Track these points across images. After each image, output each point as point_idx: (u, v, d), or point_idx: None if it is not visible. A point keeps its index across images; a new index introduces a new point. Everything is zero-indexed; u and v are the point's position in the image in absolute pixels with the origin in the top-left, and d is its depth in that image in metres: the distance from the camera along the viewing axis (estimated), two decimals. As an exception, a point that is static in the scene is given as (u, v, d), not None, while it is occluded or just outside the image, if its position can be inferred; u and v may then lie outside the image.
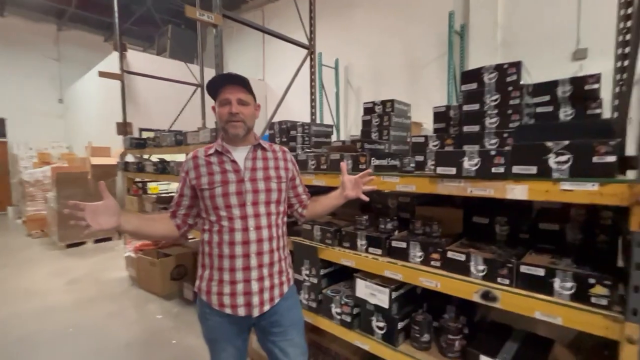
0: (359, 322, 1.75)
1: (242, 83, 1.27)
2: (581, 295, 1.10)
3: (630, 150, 1.79)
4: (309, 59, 3.53)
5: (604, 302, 1.07)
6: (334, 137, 6.24)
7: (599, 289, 1.07)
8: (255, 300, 1.27)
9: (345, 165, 1.48)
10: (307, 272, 1.96)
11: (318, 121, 6.11)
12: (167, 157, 3.93)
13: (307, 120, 3.28)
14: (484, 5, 4.58)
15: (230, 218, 1.25)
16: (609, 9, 2.24)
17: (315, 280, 1.94)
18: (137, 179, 4.67)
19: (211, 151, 1.32)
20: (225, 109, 1.26)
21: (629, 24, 1.66)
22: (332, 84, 6.41)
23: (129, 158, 4.06)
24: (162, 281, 3.43)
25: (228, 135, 1.31)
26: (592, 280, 1.08)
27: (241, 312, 1.27)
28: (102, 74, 4.83)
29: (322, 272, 1.94)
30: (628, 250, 1.24)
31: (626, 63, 1.66)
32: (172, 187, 8.08)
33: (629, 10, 1.66)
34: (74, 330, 2.82)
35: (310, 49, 3.50)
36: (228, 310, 1.26)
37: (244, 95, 1.28)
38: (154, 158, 4.16)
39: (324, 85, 6.25)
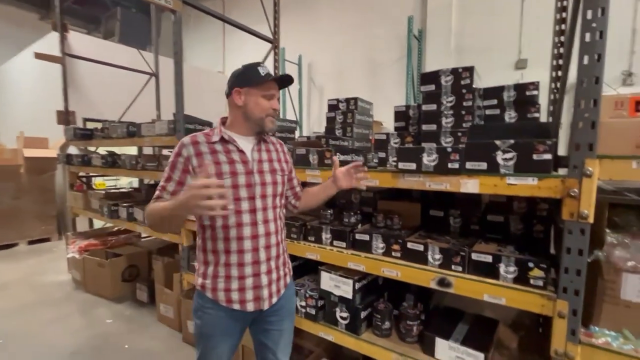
0: (323, 314, 1.79)
1: (282, 85, 1.33)
2: (522, 277, 1.24)
3: (561, 151, 2.03)
4: (272, 53, 3.48)
5: (540, 283, 1.21)
6: (297, 133, 6.25)
7: (536, 272, 1.21)
8: (265, 293, 1.26)
9: (337, 159, 1.46)
10: (272, 267, 1.95)
11: (281, 117, 6.05)
12: (117, 150, 3.64)
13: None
14: (440, 12, 4.86)
15: (239, 212, 1.21)
16: (546, 25, 2.50)
17: (279, 275, 1.93)
18: (82, 174, 4.28)
19: (215, 138, 1.24)
20: (269, 103, 1.25)
21: (562, 38, 1.87)
22: (295, 80, 6.39)
23: (72, 150, 3.69)
24: (112, 283, 3.19)
25: (263, 128, 1.27)
26: (531, 264, 1.22)
27: (250, 307, 1.24)
28: (40, 56, 4.33)
29: (287, 266, 1.94)
30: (559, 238, 1.42)
31: (560, 73, 1.87)
32: (121, 182, 7.52)
33: (563, 27, 1.87)
34: (3, 342, 2.52)
35: (274, 43, 3.46)
36: (236, 306, 1.23)
37: (279, 94, 1.33)
38: (102, 151, 3.83)
39: (286, 81, 6.20)
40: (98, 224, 4.68)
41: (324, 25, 6.36)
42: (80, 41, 5.64)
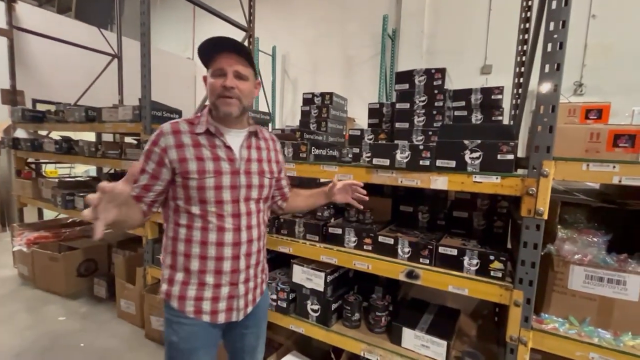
0: (294, 307, 1.79)
1: (242, 52, 1.07)
2: (483, 269, 1.32)
3: (521, 153, 2.18)
4: (246, 42, 3.39)
5: (499, 274, 1.30)
6: (269, 126, 6.15)
7: (496, 264, 1.30)
8: (241, 303, 1.17)
9: (336, 179, 1.44)
10: (243, 260, 1.92)
11: (253, 108, 5.92)
12: (73, 135, 3.38)
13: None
14: (413, 14, 4.99)
15: (220, 215, 1.08)
16: (510, 34, 2.66)
17: (250, 269, 1.91)
18: (31, 160, 3.91)
19: (200, 129, 1.09)
20: (218, 81, 1.05)
21: (525, 47, 2.00)
22: (268, 72, 6.27)
23: (20, 133, 3.36)
24: (66, 278, 2.97)
25: (218, 114, 1.09)
26: (492, 257, 1.30)
27: (221, 318, 1.13)
28: (-19, 27, 3.87)
29: (258, 260, 1.92)
30: (516, 233, 1.53)
31: (522, 80, 2.00)
32: (76, 170, 6.98)
33: (526, 36, 2.00)
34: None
35: (249, 31, 3.36)
36: (206, 318, 1.11)
37: (242, 68, 1.07)
38: (56, 135, 3.53)
39: (260, 72, 6.07)
40: (49, 214, 4.33)
41: (299, 17, 6.28)
42: (30, 14, 5.11)
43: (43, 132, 3.77)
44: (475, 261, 1.34)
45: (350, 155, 1.70)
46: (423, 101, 1.78)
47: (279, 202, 1.44)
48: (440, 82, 1.75)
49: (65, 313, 2.72)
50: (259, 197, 1.18)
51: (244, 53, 1.08)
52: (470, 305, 1.94)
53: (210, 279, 1.10)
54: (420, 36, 4.96)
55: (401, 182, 1.43)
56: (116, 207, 0.84)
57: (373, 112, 2.19)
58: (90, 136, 6.17)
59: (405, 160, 1.39)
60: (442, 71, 1.74)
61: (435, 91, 1.75)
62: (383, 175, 1.47)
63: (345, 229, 1.65)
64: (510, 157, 1.25)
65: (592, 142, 1.34)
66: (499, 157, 1.26)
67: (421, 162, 1.36)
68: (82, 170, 6.98)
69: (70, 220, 3.82)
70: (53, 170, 6.74)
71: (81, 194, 2.89)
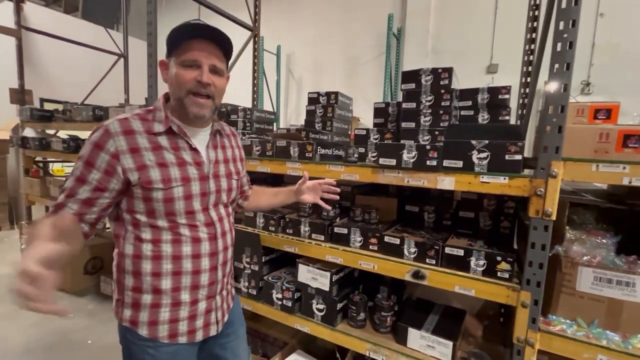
0: (299, 306, 1.80)
1: (222, 43, 0.93)
2: (490, 270, 1.32)
3: (527, 153, 2.16)
4: (252, 41, 3.39)
5: (507, 275, 1.29)
6: (274, 125, 6.16)
7: (504, 265, 1.29)
8: (219, 315, 1.08)
9: (307, 173, 1.41)
10: (248, 259, 1.93)
11: (258, 107, 5.93)
12: (80, 134, 3.41)
13: (247, 105, 3.17)
14: (418, 13, 4.96)
15: (193, 226, 0.96)
16: (517, 33, 2.64)
17: (256, 268, 1.92)
18: (39, 158, 3.96)
19: (159, 128, 0.92)
20: (190, 74, 0.89)
21: (532, 46, 1.99)
22: (273, 71, 6.27)
23: (28, 132, 3.40)
24: (73, 276, 3.00)
25: (186, 114, 0.93)
26: (499, 258, 1.30)
27: (199, 336, 1.03)
28: (-10, 27, 3.91)
29: (264, 259, 1.93)
30: (523, 234, 1.52)
31: (529, 79, 1.99)
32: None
33: (534, 35, 1.98)
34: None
35: (255, 31, 3.37)
36: (183, 339, 0.99)
37: (219, 62, 0.93)
38: (63, 134, 3.57)
39: (264, 72, 6.08)
40: (56, 213, 4.37)
41: (304, 16, 6.28)
42: (38, 14, 5.18)
43: (50, 131, 3.81)
44: (482, 262, 1.33)
45: (356, 155, 1.69)
46: (430, 101, 1.77)
47: (239, 201, 1.34)
48: (447, 81, 1.74)
49: (73, 310, 2.76)
50: (227, 201, 1.08)
51: (225, 44, 0.93)
52: (476, 306, 1.93)
53: (185, 296, 0.97)
54: (425, 35, 4.94)
55: (408, 182, 1.42)
56: (53, 269, 0.67)
57: (379, 112, 2.19)
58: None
59: (412, 160, 1.39)
60: (449, 70, 1.73)
61: (442, 91, 1.74)
62: (389, 175, 1.47)
63: (351, 229, 1.65)
64: (519, 157, 1.24)
65: (601, 142, 1.33)
66: (506, 157, 1.25)
67: (428, 162, 1.35)
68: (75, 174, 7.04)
69: (77, 218, 3.85)
70: (60, 168, 6.82)
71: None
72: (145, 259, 0.94)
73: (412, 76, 1.82)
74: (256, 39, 3.37)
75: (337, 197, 1.39)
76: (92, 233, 0.94)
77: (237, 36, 3.42)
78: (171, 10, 8.05)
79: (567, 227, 1.28)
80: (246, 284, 1.94)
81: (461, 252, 1.37)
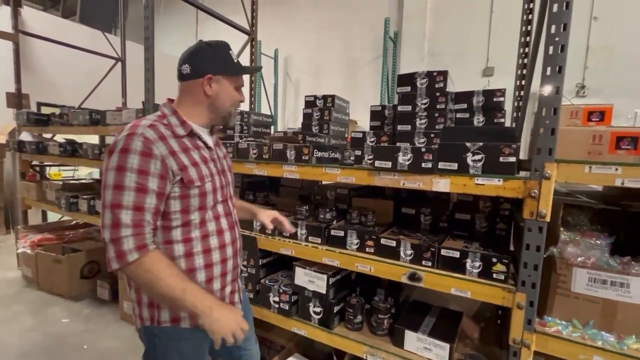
0: (296, 309, 1.80)
1: None
2: (486, 272, 1.32)
3: (523, 155, 2.17)
4: (249, 45, 3.41)
5: (502, 277, 1.29)
6: (272, 129, 6.17)
7: (499, 267, 1.30)
8: (241, 295, 1.23)
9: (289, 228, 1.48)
10: (245, 262, 1.93)
11: (256, 111, 5.95)
12: (76, 138, 3.41)
13: (245, 109, 3.18)
14: (414, 16, 5.00)
15: (217, 217, 1.08)
16: (511, 36, 2.67)
17: (253, 271, 1.92)
18: (36, 162, 3.95)
19: (182, 131, 1.01)
20: (240, 97, 1.13)
21: (527, 50, 2.01)
22: (270, 75, 6.29)
23: (25, 136, 3.39)
24: (69, 280, 2.98)
25: (226, 123, 1.13)
26: (494, 260, 1.30)
27: None
28: (-14, 31, 3.91)
29: (261, 262, 1.93)
30: (519, 235, 1.52)
31: (524, 82, 2.00)
32: (80, 173, 7.01)
33: (528, 39, 2.00)
34: (-58, 345, 2.29)
35: (252, 35, 3.39)
36: None
37: None
38: (60, 138, 3.56)
39: (262, 75, 6.10)
40: (53, 217, 4.35)
41: (301, 20, 6.31)
42: (35, 18, 5.18)
43: (47, 135, 3.81)
44: (477, 263, 1.34)
45: (352, 158, 1.70)
46: (425, 104, 1.78)
47: None
48: (442, 84, 1.76)
49: (69, 315, 2.74)
50: (232, 192, 1.22)
51: None
52: (473, 308, 1.94)
53: (217, 284, 1.08)
54: (421, 39, 4.98)
55: (403, 184, 1.43)
56: None
57: (375, 115, 2.20)
58: (94, 139, 6.22)
59: (407, 163, 1.39)
60: (444, 74, 1.75)
61: (437, 94, 1.76)
62: (385, 178, 1.47)
63: (347, 232, 1.65)
64: (513, 159, 1.25)
65: (595, 144, 1.34)
66: (501, 159, 1.26)
67: (423, 165, 1.36)
68: (86, 172, 7.03)
69: (74, 222, 3.84)
70: (57, 172, 6.79)
71: (85, 197, 2.91)
72: (179, 259, 1.00)
73: (407, 79, 1.83)
74: (253, 42, 3.39)
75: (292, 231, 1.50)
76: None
77: (235, 40, 3.45)
78: (168, 14, 8.08)
79: (561, 229, 1.28)
80: (243, 287, 1.93)
81: (457, 254, 1.38)
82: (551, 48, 1.12)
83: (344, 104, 2.74)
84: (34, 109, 5.22)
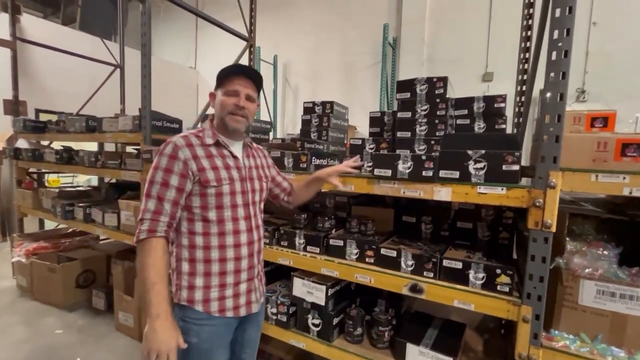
0: (295, 321, 1.75)
1: (256, 79, 1.23)
2: (490, 283, 1.28)
3: (524, 161, 2.14)
4: (247, 51, 3.40)
5: (506, 289, 1.25)
6: (271, 135, 6.15)
7: (503, 278, 1.25)
8: (257, 295, 1.28)
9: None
10: (242, 272, 1.88)
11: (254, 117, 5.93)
12: (74, 145, 3.38)
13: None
14: (414, 22, 5.01)
15: (235, 219, 1.18)
16: (511, 41, 2.65)
17: (250, 281, 1.87)
18: (33, 169, 3.91)
19: (210, 140, 1.19)
20: (231, 100, 1.18)
21: (527, 55, 1.98)
22: (269, 81, 6.29)
23: (21, 144, 3.37)
24: (64, 290, 2.93)
25: (225, 128, 1.21)
26: (498, 271, 1.26)
27: (242, 312, 1.23)
28: (-15, 39, 3.90)
29: (258, 272, 1.88)
30: (522, 244, 1.48)
31: (524, 87, 1.98)
32: (78, 180, 6.98)
33: (528, 44, 1.98)
34: None
35: (250, 41, 3.38)
36: (230, 314, 1.20)
37: (253, 92, 1.22)
38: (57, 145, 3.54)
39: (261, 81, 6.09)
40: (50, 225, 4.30)
41: (300, 26, 6.33)
42: (35, 25, 5.19)
43: (46, 142, 3.78)
44: (481, 275, 1.29)
45: (351, 165, 1.66)
46: (425, 110, 1.75)
47: (285, 198, 1.52)
48: (442, 90, 1.73)
49: (63, 326, 2.68)
50: (260, 199, 1.31)
51: (257, 80, 1.24)
52: (476, 319, 1.89)
53: (230, 279, 1.19)
54: (420, 44, 4.98)
55: (403, 193, 1.39)
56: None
57: (374, 121, 2.17)
58: (93, 146, 6.20)
59: (408, 171, 1.36)
60: (444, 80, 1.72)
61: (437, 100, 1.73)
62: (385, 186, 1.44)
63: (346, 241, 1.61)
64: (516, 167, 1.21)
65: (600, 151, 1.30)
66: (504, 167, 1.22)
67: (424, 173, 1.33)
68: (85, 179, 6.99)
69: (70, 230, 3.79)
70: (55, 179, 6.75)
71: (81, 205, 2.86)
72: (198, 249, 1.16)
73: (407, 85, 1.81)
74: (252, 49, 3.38)
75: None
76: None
77: (234, 46, 3.44)
78: (168, 21, 8.12)
79: (567, 239, 1.24)
80: (263, 293, 1.88)
81: (459, 265, 1.34)
82: (554, 54, 1.09)
83: (342, 110, 2.71)
84: (32, 115, 5.22)
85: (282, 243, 1.79)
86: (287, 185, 1.51)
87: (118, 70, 5.14)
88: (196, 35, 7.85)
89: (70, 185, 6.29)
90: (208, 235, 1.16)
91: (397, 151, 1.72)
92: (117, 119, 2.52)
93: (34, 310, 2.92)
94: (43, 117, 4.93)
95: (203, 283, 1.16)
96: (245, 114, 1.20)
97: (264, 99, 6.15)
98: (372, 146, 1.89)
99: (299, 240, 1.73)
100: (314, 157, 1.72)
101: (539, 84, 1.27)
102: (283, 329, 1.74)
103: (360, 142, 1.94)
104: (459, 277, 1.34)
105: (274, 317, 1.76)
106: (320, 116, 2.49)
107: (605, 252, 1.18)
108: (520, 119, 1.98)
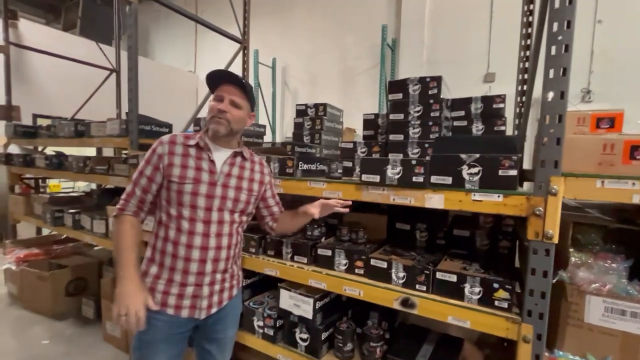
0: (282, 335, 1.65)
1: (241, 86, 1.24)
2: (487, 299, 1.18)
3: (526, 164, 2.03)
4: (241, 54, 3.34)
5: (505, 305, 1.15)
6: (269, 138, 6.08)
7: (501, 293, 1.15)
8: (204, 303, 1.24)
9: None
10: (228, 283, 1.79)
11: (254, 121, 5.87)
12: (67, 151, 3.32)
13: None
14: (413, 23, 4.92)
15: (193, 219, 1.20)
16: (513, 39, 2.55)
17: (236, 292, 1.78)
18: (29, 175, 3.87)
19: (192, 142, 1.24)
20: (216, 105, 1.22)
21: (528, 53, 1.88)
22: (268, 84, 6.24)
23: (13, 149, 3.32)
24: (54, 298, 2.85)
25: (209, 131, 1.26)
26: (496, 285, 1.16)
27: (184, 313, 1.22)
28: (-21, 44, 3.89)
29: (245, 282, 1.80)
30: (524, 252, 1.38)
31: (525, 87, 1.88)
32: (79, 184, 6.95)
33: (529, 42, 1.88)
34: None
35: (243, 43, 3.31)
36: (170, 311, 1.20)
37: (239, 99, 1.24)
38: (50, 151, 3.49)
39: (260, 84, 6.04)
40: (47, 230, 4.26)
41: (298, 29, 6.27)
42: (34, 31, 5.18)
43: (40, 148, 3.73)
44: (477, 289, 1.19)
45: (340, 171, 1.58)
46: (418, 111, 1.66)
47: (269, 223, 1.47)
48: (436, 90, 1.64)
49: (50, 336, 2.60)
50: (233, 209, 1.27)
51: (243, 87, 1.24)
52: (476, 332, 1.77)
53: (177, 277, 1.20)
54: (420, 46, 4.88)
55: (393, 200, 1.30)
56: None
57: (368, 124, 2.08)
58: (91, 151, 6.17)
59: (397, 177, 1.27)
60: (437, 79, 1.63)
61: (431, 100, 1.64)
62: (374, 193, 1.34)
63: (335, 251, 1.52)
64: (513, 172, 1.11)
65: (606, 154, 1.20)
66: (500, 172, 1.13)
67: (414, 179, 1.23)
68: (84, 184, 6.97)
69: (64, 236, 3.73)
70: (57, 184, 6.74)
71: (70, 211, 2.80)
72: (159, 238, 1.22)
73: (399, 86, 1.72)
74: (245, 51, 3.31)
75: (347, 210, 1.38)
76: (144, 218, 1.27)
77: (232, 50, 3.39)
78: (170, 23, 8.14)
79: (571, 250, 1.14)
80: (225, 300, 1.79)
81: (454, 278, 1.24)
82: (554, 48, 1.00)
83: (337, 113, 2.63)
84: (29, 121, 5.20)
85: (268, 252, 1.70)
86: (276, 210, 1.47)
87: (114, 74, 5.11)
88: (196, 40, 7.84)
89: (71, 190, 6.26)
90: (168, 228, 1.20)
91: (389, 155, 1.63)
92: (105, 124, 2.46)
93: (22, 320, 2.85)
94: (41, 122, 4.90)
95: (155, 272, 1.22)
96: (226, 117, 1.21)
97: (262, 102, 6.09)
98: (364, 149, 1.81)
99: (286, 250, 1.64)
100: (301, 162, 1.63)
101: (540, 83, 1.17)
102: (270, 343, 1.64)
103: (351, 145, 1.85)
104: (454, 291, 1.23)
105: (261, 331, 1.67)
106: (313, 119, 2.41)
107: (614, 265, 1.08)
108: (521, 120, 1.88)
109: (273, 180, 1.47)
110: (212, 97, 1.25)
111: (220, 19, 4.05)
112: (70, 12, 7.34)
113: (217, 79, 1.24)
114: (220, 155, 1.26)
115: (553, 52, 1.00)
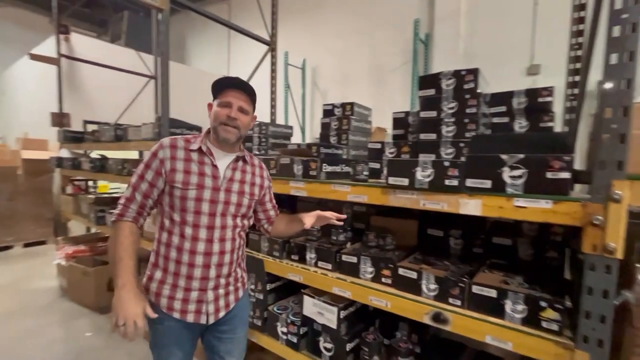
0: (306, 343, 1.60)
1: (249, 92, 1.25)
2: (532, 319, 1.04)
3: (578, 165, 1.81)
4: (269, 55, 3.35)
5: (555, 327, 1.00)
6: (299, 139, 6.09)
7: (550, 313, 1.01)
8: (211, 308, 1.24)
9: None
10: (253, 286, 1.78)
11: (284, 122, 5.91)
12: (109, 154, 3.54)
13: (267, 120, 3.10)
14: (448, 16, 4.67)
15: (196, 225, 1.19)
16: (561, 27, 2.30)
17: (261, 296, 1.76)
18: (79, 177, 4.19)
19: (194, 146, 1.22)
20: (224, 111, 1.21)
21: (580, 39, 1.68)
22: (298, 85, 6.26)
23: (63, 153, 3.61)
24: (96, 292, 3.04)
25: (217, 138, 1.24)
26: (543, 304, 1.01)
27: (190, 318, 1.22)
28: (35, 57, 4.28)
29: (269, 286, 1.77)
30: (576, 264, 1.21)
31: (577, 78, 1.67)
32: (123, 187, 7.45)
33: (581, 27, 1.67)
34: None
35: (271, 45, 3.32)
36: (176, 315, 1.21)
37: (246, 105, 1.24)
38: (95, 154, 3.74)
39: (289, 86, 6.08)
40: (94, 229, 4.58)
41: (328, 29, 6.22)
42: (83, 44, 5.62)
43: (88, 152, 4.02)
44: (520, 307, 1.06)
45: (365, 173, 1.50)
46: (452, 108, 1.53)
47: (265, 226, 1.47)
48: (472, 84, 1.49)
49: (93, 328, 2.77)
50: (235, 213, 1.26)
51: (250, 93, 1.24)
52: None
53: (182, 282, 1.20)
54: (456, 38, 4.62)
55: (423, 205, 1.19)
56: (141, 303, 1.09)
57: (398, 122, 1.97)
58: (134, 154, 6.57)
59: (428, 180, 1.16)
60: (474, 72, 1.49)
61: (467, 96, 1.50)
62: (402, 197, 1.25)
63: (360, 258, 1.44)
64: (565, 175, 0.97)
65: (683, 153, 1.01)
66: (548, 175, 0.98)
67: (447, 182, 1.12)
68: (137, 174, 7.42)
69: (108, 234, 3.98)
70: (105, 184, 7.27)
71: (111, 211, 2.97)
72: (162, 244, 1.22)
73: (431, 81, 1.60)
74: (273, 53, 3.32)
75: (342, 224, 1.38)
76: (143, 224, 1.24)
77: (262, 52, 3.42)
78: (205, 29, 8.48)
79: (637, 265, 0.97)
80: (251, 313, 1.78)
81: (493, 293, 1.11)
82: (617, 29, 0.85)
83: (365, 112, 2.53)
84: (80, 127, 5.65)
85: (292, 257, 1.66)
86: (273, 214, 1.47)
87: (153, 81, 5.38)
88: (229, 44, 8.08)
89: (117, 190, 6.72)
90: (171, 234, 1.19)
91: (419, 156, 1.52)
92: (141, 128, 2.57)
93: (69, 312, 3.07)
94: (90, 128, 5.30)
95: (160, 277, 1.21)
96: (237, 124, 1.21)
97: (292, 102, 6.11)
98: (392, 150, 1.70)
99: (310, 255, 1.59)
100: (325, 164, 1.56)
101: (597, 72, 1.01)
102: (293, 350, 1.60)
103: (379, 145, 1.75)
104: (493, 307, 1.10)
105: (284, 337, 1.63)
106: (340, 119, 2.34)
107: (696, 286, 0.90)
108: (572, 115, 1.67)
109: (271, 185, 1.46)
110: (216, 102, 1.23)
111: (251, 22, 4.12)
112: (117, 24, 7.89)
113: (224, 85, 1.23)
114: (223, 160, 1.26)
115: (616, 33, 0.85)
